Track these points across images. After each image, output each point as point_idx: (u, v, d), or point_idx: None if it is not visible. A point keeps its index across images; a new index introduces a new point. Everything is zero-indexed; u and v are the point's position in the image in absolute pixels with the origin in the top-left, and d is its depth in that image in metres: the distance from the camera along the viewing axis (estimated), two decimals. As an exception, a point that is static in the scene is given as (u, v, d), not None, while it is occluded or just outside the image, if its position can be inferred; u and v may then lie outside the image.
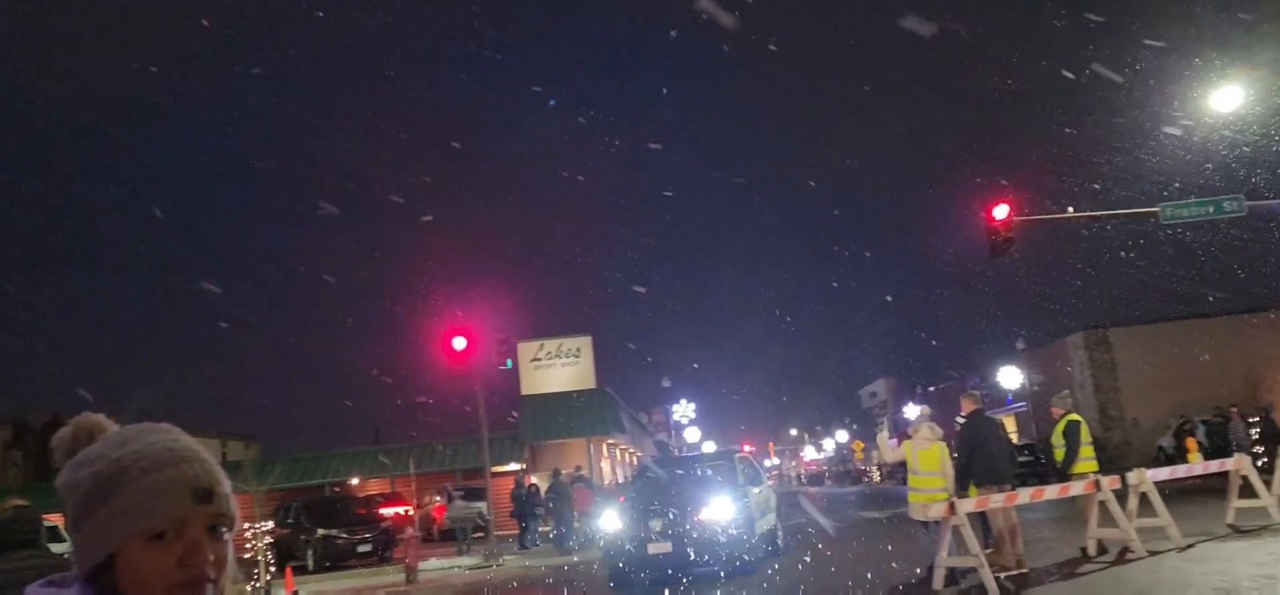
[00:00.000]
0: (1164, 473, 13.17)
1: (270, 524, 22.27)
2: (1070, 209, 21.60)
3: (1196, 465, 15.09)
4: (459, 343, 21.08)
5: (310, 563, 23.53)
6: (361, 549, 23.91)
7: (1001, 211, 20.89)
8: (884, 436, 13.50)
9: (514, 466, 36.82)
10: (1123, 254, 42.69)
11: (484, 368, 22.83)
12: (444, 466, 37.61)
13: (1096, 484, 11.85)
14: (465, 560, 22.35)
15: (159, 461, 1.28)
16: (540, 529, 25.97)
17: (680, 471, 16.27)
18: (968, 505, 10.64)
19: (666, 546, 13.29)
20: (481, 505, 28.80)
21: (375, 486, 37.17)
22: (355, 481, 39.45)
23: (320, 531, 24.07)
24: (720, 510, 13.55)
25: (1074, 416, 12.65)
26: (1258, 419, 25.89)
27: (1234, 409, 26.87)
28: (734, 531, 13.36)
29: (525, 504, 25.69)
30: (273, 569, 19.62)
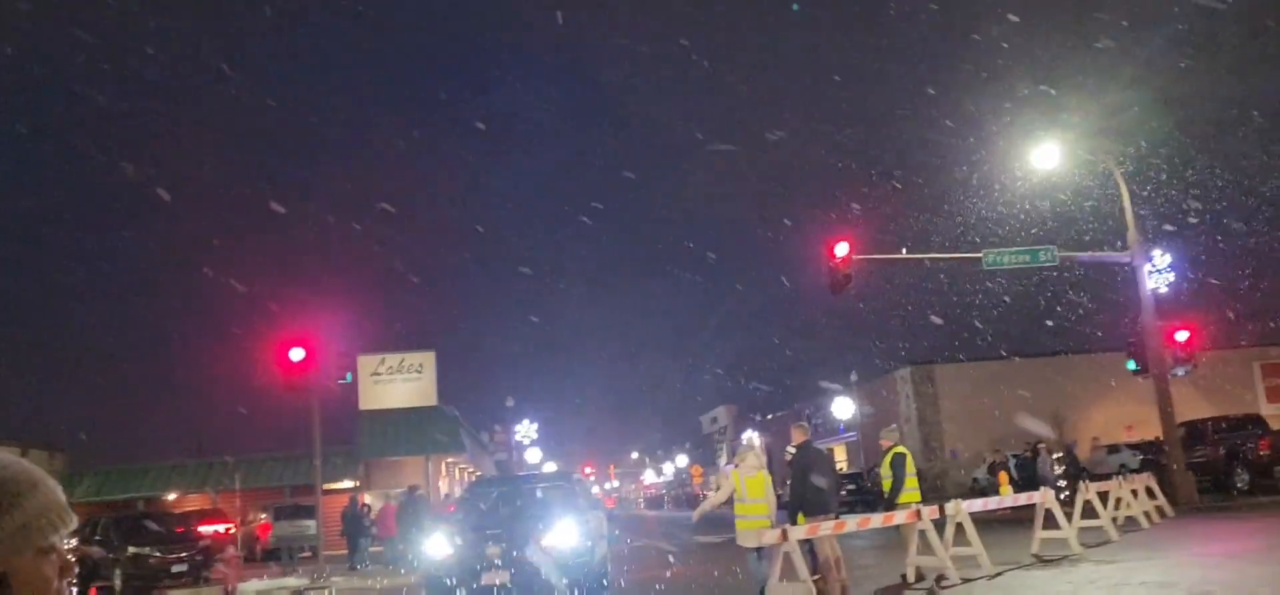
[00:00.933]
0: (978, 504, 13.93)
1: (74, 542, 20.69)
2: (904, 250, 22.79)
3: (1007, 498, 16.04)
4: (296, 353, 20.17)
5: (118, 583, 21.95)
6: (176, 569, 22.48)
7: (842, 249, 21.82)
8: (716, 482, 13.75)
9: (347, 484, 35.60)
10: (955, 298, 45.32)
11: (322, 381, 21.94)
12: (272, 482, 35.99)
13: (918, 513, 12.41)
14: (290, 581, 21.40)
15: (34, 481, 1.38)
16: (371, 549, 25.17)
17: (519, 491, 15.04)
18: (799, 532, 10.93)
19: (504, 576, 11.75)
20: (310, 523, 27.72)
21: (196, 502, 35.19)
22: (172, 497, 37.24)
23: (130, 549, 22.49)
24: (565, 535, 12.42)
25: (900, 448, 13.29)
26: (1062, 455, 27.85)
27: (1042, 445, 28.73)
28: (580, 559, 12.32)
29: (355, 523, 24.85)
30: (75, 591, 18.25)
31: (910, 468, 13.06)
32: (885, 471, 13.31)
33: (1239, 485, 23.54)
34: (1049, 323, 42.55)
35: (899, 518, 12.44)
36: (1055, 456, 27.63)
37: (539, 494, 14.70)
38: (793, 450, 12.37)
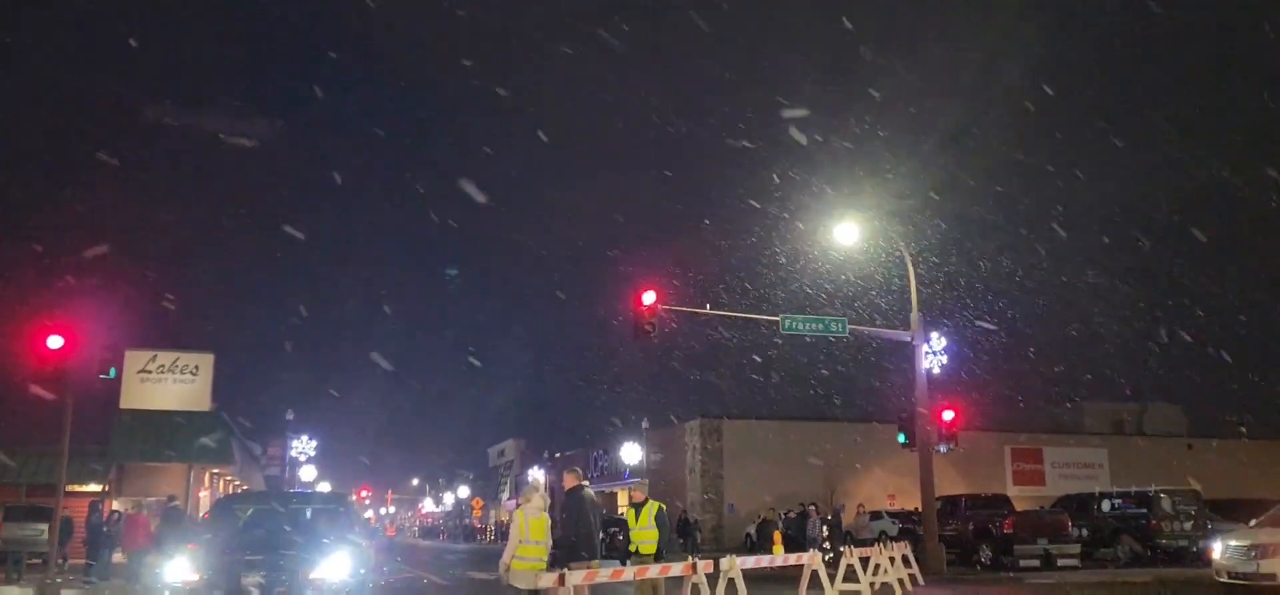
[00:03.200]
0: (751, 561, 14.34)
1: None
2: (708, 305, 23.45)
3: (778, 557, 16.63)
4: (55, 341, 18.37)
5: None
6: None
7: (649, 297, 22.18)
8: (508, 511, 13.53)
9: (94, 487, 32.76)
10: (755, 358, 47.17)
11: (82, 374, 20.05)
12: (6, 480, 32.55)
13: (693, 566, 12.61)
14: (14, 589, 19.41)
15: None
16: (113, 560, 23.10)
17: (286, 511, 13.16)
18: (577, 578, 10.85)
19: None
20: (41, 527, 25.26)
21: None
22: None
23: None
24: (337, 567, 11.15)
25: (659, 503, 13.65)
26: (830, 518, 29.33)
27: (813, 506, 30.14)
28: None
29: (96, 532, 22.81)
30: None
31: (644, 520, 13.17)
32: (643, 522, 13.43)
33: (983, 560, 25.47)
34: (835, 394, 44.95)
35: (676, 569, 12.60)
36: (825, 518, 29.09)
37: (308, 515, 13.09)
38: (566, 493, 12.41)
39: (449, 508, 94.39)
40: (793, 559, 15.42)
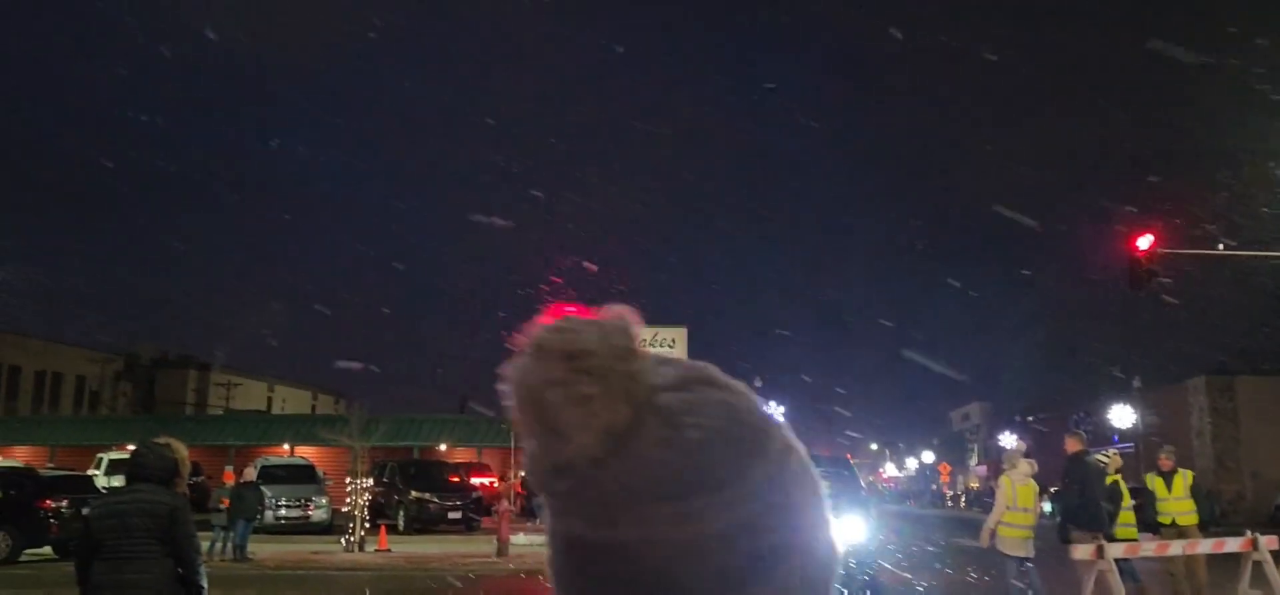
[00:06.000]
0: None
1: (370, 481, 22.51)
2: (1221, 246, 20.37)
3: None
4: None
5: (401, 524, 23.71)
6: (452, 515, 24.01)
7: (1145, 242, 19.79)
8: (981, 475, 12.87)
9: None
10: (1263, 302, 40.38)
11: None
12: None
13: (1253, 541, 10.98)
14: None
15: None
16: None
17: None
18: (1116, 551, 9.97)
19: None
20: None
21: (463, 455, 37.46)
22: (443, 448, 39.89)
23: (413, 494, 24.24)
24: (854, 529, 11.58)
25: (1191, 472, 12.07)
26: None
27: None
28: (862, 555, 11.52)
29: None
30: (367, 525, 19.81)
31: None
32: (1177, 491, 12.01)
33: None
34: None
35: (1231, 545, 11.06)
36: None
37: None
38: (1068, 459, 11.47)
39: (912, 473, 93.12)
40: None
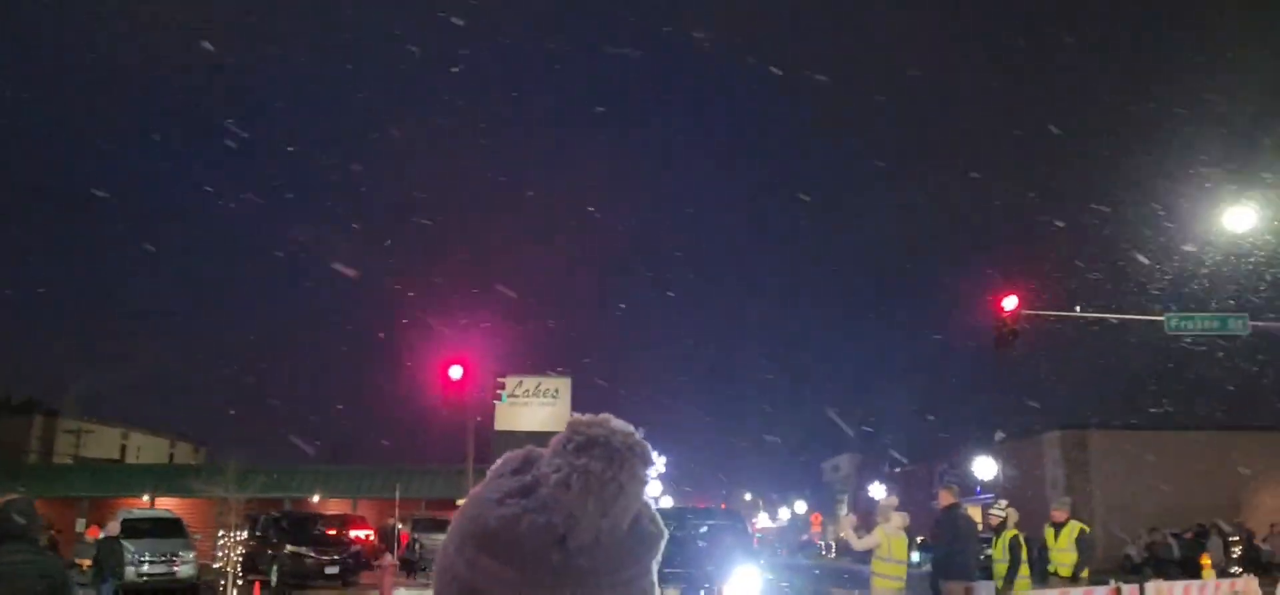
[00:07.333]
0: (1180, 587, 13.01)
1: (243, 534, 21.51)
2: (1078, 308, 21.71)
3: (1210, 581, 14.92)
4: (455, 371, 20.69)
5: (273, 579, 22.72)
6: (329, 571, 23.15)
7: (1010, 302, 20.92)
8: (851, 522, 13.27)
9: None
10: (1113, 360, 43.12)
11: (478, 397, 22.44)
12: (416, 494, 37.05)
13: (1118, 590, 11.68)
14: None
15: None
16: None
17: (688, 527, 12.83)
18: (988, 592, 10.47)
19: None
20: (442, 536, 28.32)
21: (336, 507, 36.23)
22: (315, 499, 38.50)
23: (288, 548, 23.27)
24: (749, 581, 11.40)
25: (1082, 525, 12.75)
26: (1236, 539, 25.96)
27: (1212, 526, 26.92)
28: None
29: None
30: (240, 582, 18.96)
31: (1063, 541, 12.42)
32: (1063, 543, 12.65)
33: None
34: (1230, 388, 39.68)
35: (1099, 593, 11.73)
36: (1231, 539, 25.87)
37: (707, 531, 12.97)
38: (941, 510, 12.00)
39: (784, 523, 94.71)
40: (1225, 585, 13.78)
